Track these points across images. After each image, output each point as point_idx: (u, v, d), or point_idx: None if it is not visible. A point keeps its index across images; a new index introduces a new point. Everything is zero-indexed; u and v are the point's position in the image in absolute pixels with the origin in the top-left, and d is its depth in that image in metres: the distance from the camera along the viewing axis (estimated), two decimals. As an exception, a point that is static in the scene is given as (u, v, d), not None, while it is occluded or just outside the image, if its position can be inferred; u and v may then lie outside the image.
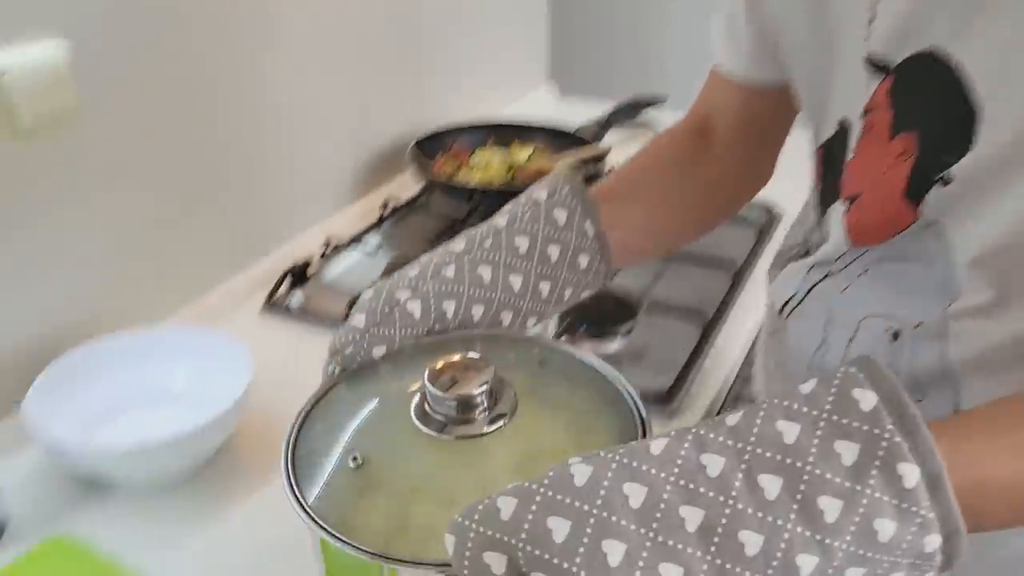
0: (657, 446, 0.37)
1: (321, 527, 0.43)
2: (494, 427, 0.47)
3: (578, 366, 0.53)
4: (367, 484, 0.45)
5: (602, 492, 0.36)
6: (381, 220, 1.15)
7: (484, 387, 0.46)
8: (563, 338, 0.86)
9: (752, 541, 0.34)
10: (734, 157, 0.68)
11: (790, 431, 0.36)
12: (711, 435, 0.37)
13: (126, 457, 0.69)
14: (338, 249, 1.08)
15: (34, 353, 0.78)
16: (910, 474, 0.35)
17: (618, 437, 0.46)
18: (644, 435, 0.46)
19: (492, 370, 0.47)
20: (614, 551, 0.34)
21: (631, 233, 0.63)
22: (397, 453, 0.47)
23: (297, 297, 0.99)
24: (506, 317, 0.57)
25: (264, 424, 0.76)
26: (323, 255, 1.06)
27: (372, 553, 0.42)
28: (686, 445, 0.37)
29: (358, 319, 0.54)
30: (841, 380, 0.37)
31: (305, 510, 0.44)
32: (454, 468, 0.46)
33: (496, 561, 0.36)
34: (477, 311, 0.56)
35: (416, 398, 0.48)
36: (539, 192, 0.59)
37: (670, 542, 0.34)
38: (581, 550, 0.35)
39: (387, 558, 0.41)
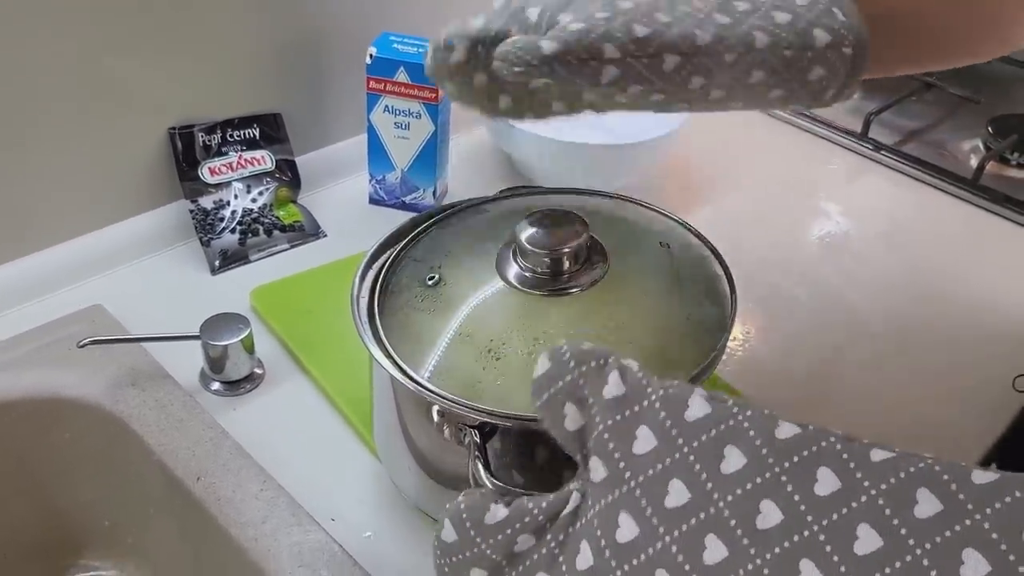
0: (785, 431, 0.33)
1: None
2: (566, 293, 0.45)
3: (703, 264, 0.49)
4: (433, 306, 0.47)
5: (703, 438, 0.33)
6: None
7: (565, 249, 0.45)
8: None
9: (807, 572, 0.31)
10: None
11: (928, 506, 0.30)
12: (845, 456, 0.32)
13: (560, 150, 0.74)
14: None
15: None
16: None
17: (693, 352, 0.44)
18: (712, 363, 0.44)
19: (584, 238, 0.46)
20: (677, 495, 0.33)
21: (903, 37, 0.48)
22: (470, 287, 0.47)
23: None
24: (671, 61, 0.41)
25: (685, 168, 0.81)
26: None
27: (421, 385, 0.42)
28: (813, 449, 0.32)
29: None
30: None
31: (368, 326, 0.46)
32: (510, 318, 0.45)
33: (573, 417, 0.35)
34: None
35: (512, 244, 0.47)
36: None
37: (732, 522, 0.32)
38: (650, 472, 0.33)
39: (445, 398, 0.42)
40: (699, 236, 0.51)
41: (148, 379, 0.57)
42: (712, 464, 0.33)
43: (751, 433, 0.33)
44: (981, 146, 0.87)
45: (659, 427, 0.34)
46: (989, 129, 0.87)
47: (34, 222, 0.64)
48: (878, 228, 0.80)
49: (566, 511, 0.35)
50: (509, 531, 0.35)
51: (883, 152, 0.87)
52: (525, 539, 0.35)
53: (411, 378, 0.43)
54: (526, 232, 0.46)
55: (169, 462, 0.52)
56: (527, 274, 0.46)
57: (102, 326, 0.61)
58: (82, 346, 0.55)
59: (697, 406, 0.34)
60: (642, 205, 0.53)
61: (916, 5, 0.49)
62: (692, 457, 0.33)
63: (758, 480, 0.32)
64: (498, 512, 0.36)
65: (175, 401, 0.56)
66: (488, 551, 0.36)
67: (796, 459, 0.32)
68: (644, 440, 0.34)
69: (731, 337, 0.66)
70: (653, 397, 0.35)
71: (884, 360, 0.66)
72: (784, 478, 0.32)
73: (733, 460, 0.33)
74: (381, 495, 0.52)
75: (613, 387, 0.35)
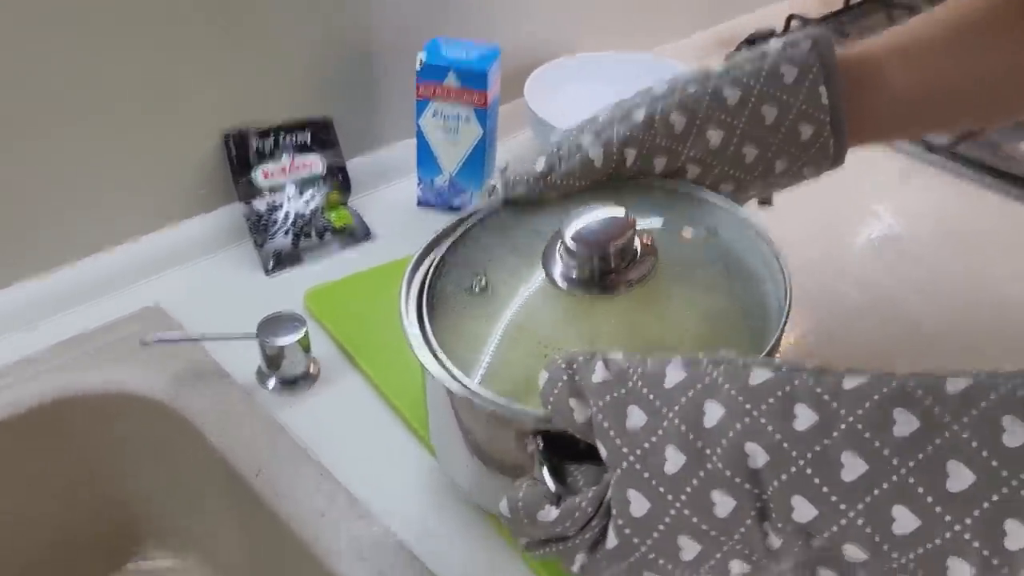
0: (758, 376, 0.35)
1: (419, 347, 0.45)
2: (615, 291, 0.44)
3: (752, 249, 0.48)
4: (482, 312, 0.46)
5: (683, 400, 0.35)
6: (848, 6, 1.10)
7: (613, 248, 0.44)
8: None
9: (803, 510, 0.32)
10: None
11: (906, 425, 0.31)
12: (818, 390, 0.33)
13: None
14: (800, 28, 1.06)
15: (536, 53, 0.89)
16: None
17: (748, 341, 0.43)
18: (771, 353, 0.43)
19: (631, 234, 0.44)
20: (673, 459, 0.35)
21: (886, 110, 0.53)
22: (518, 290, 0.47)
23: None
24: (692, 171, 0.51)
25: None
26: (785, 30, 1.05)
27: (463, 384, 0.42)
28: (787, 389, 0.34)
29: (539, 162, 0.50)
30: None
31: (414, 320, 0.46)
32: (559, 319, 0.45)
33: (579, 409, 0.38)
34: (659, 162, 0.50)
35: (557, 242, 0.46)
36: (776, 41, 0.52)
37: (727, 472, 0.33)
38: (646, 444, 0.35)
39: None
40: (748, 222, 0.49)
41: (207, 377, 0.59)
42: (696, 423, 0.34)
43: (726, 386, 0.35)
44: (1035, 146, 0.86)
45: (644, 402, 0.36)
46: (1043, 128, 0.85)
47: (94, 224, 0.66)
48: (931, 230, 0.79)
49: (607, 497, 0.37)
50: (559, 529, 0.38)
51: (935, 153, 0.85)
52: (575, 532, 0.38)
53: (467, 388, 0.42)
54: (571, 230, 0.45)
55: (229, 457, 0.53)
56: (574, 274, 0.45)
57: (161, 325, 0.63)
58: (146, 344, 0.57)
59: (673, 374, 0.36)
60: (689, 192, 0.51)
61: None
62: (677, 421, 0.35)
63: (738, 427, 0.34)
64: (551, 512, 0.38)
65: (233, 398, 0.57)
66: (538, 536, 0.39)
67: (772, 400, 0.33)
68: (634, 417, 0.36)
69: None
70: (635, 376, 0.37)
71: (941, 365, 0.65)
72: (763, 420, 0.33)
73: (713, 414, 0.34)
74: (438, 490, 0.53)
75: (599, 373, 0.37)
